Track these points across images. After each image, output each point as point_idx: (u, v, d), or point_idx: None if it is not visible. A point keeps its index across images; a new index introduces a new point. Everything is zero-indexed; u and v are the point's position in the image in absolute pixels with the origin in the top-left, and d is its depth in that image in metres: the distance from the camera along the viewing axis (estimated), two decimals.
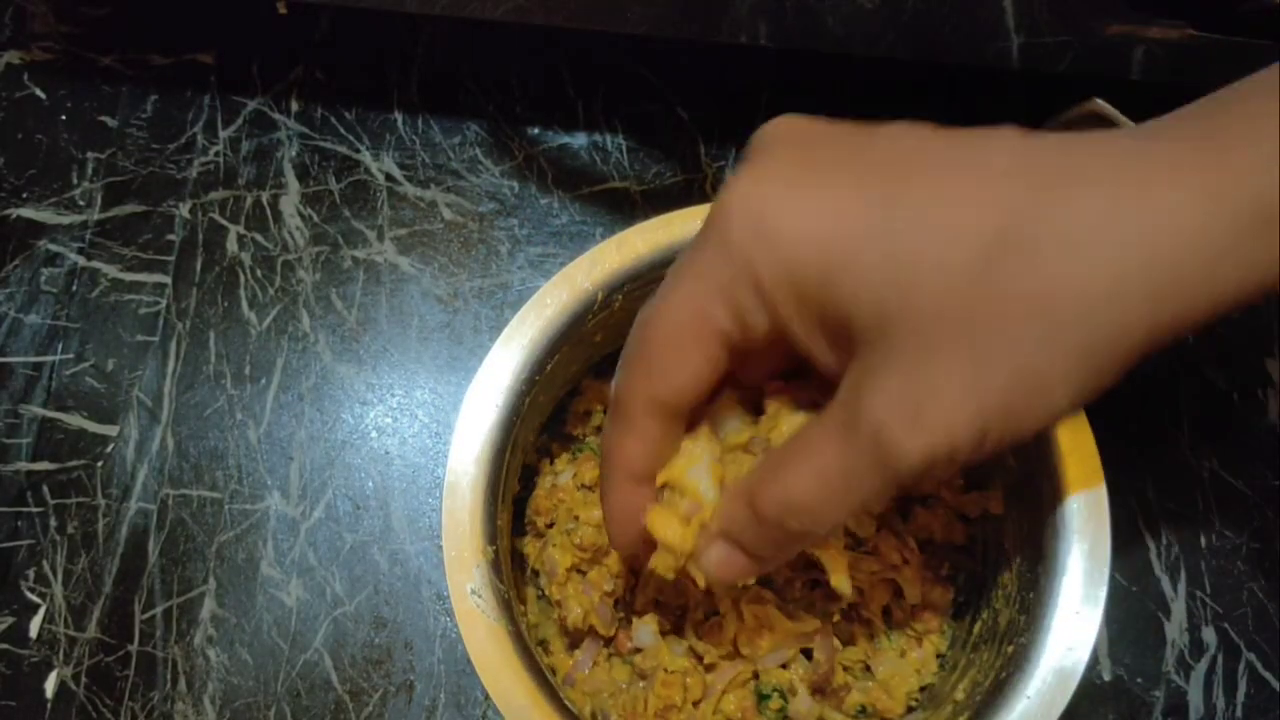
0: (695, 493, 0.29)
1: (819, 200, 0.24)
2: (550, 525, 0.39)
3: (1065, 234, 0.22)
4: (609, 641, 0.38)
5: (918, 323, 0.24)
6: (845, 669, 0.38)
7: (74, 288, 0.48)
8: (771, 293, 0.25)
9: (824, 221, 0.24)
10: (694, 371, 0.27)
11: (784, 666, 0.37)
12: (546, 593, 0.38)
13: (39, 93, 0.51)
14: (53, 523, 0.45)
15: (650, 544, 0.30)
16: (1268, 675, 0.42)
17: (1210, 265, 0.22)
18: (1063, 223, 0.22)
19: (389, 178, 0.50)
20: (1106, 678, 0.42)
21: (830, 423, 0.25)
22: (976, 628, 0.37)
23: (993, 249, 0.23)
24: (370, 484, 0.45)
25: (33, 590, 0.44)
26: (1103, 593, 0.32)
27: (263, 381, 0.47)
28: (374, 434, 0.46)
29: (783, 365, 0.30)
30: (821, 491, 0.26)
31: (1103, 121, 0.32)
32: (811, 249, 0.24)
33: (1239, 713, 0.42)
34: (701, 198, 0.49)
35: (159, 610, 0.43)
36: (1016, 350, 0.23)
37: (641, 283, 0.36)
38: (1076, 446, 0.33)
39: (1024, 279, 0.23)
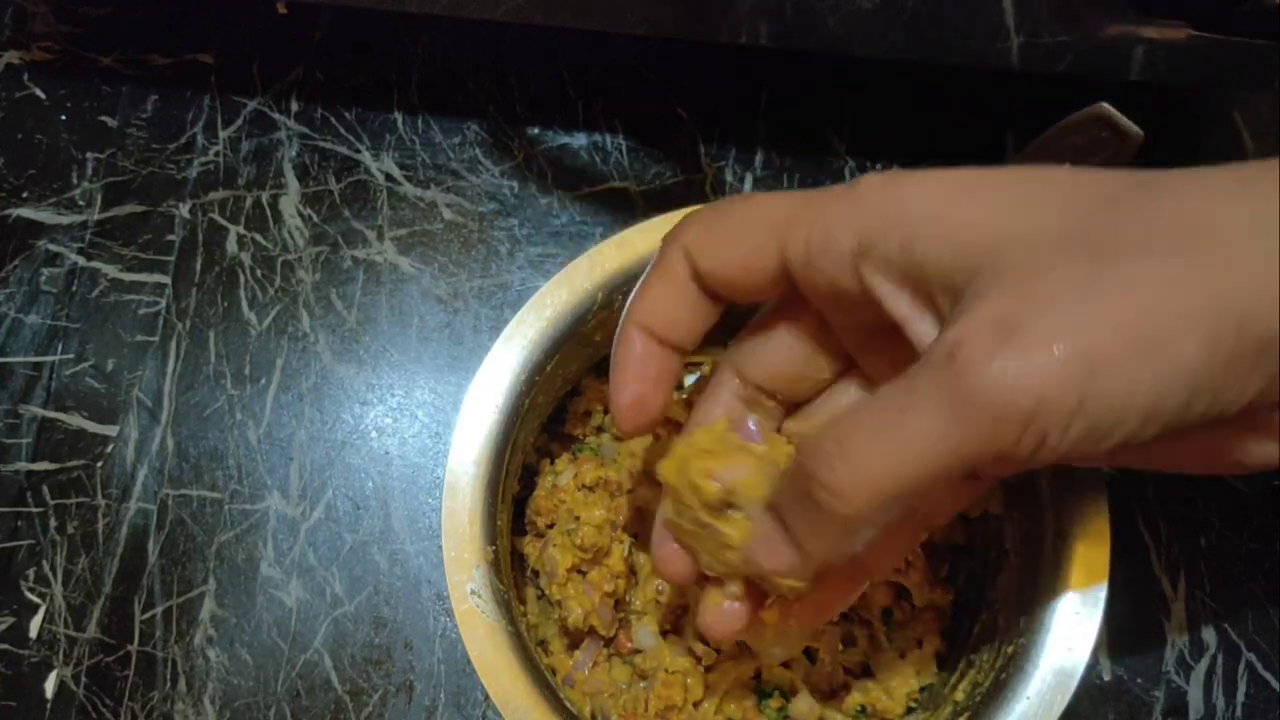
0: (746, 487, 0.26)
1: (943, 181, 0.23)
2: (550, 525, 0.39)
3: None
4: (609, 642, 0.38)
5: (1030, 244, 0.21)
6: (845, 669, 0.38)
7: (74, 288, 0.48)
8: (880, 240, 0.23)
9: (944, 186, 0.23)
10: (746, 261, 0.25)
11: (785, 666, 0.37)
12: (546, 593, 0.38)
13: (39, 93, 0.51)
14: (53, 523, 0.45)
15: (657, 426, 0.28)
16: (1268, 675, 0.42)
17: None
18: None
19: (389, 178, 0.50)
20: (1106, 678, 0.42)
21: (905, 375, 0.21)
22: (976, 628, 0.37)
23: (1129, 185, 0.21)
24: (370, 484, 0.45)
25: (33, 590, 0.44)
26: (1103, 593, 0.32)
27: (263, 381, 0.47)
28: (374, 434, 0.46)
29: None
30: (885, 451, 0.20)
31: (1109, 126, 0.32)
32: (932, 197, 0.23)
33: (1239, 713, 0.42)
34: (701, 198, 0.49)
35: (159, 610, 0.43)
36: (1144, 279, 0.19)
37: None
38: None
39: (1162, 205, 0.20)
